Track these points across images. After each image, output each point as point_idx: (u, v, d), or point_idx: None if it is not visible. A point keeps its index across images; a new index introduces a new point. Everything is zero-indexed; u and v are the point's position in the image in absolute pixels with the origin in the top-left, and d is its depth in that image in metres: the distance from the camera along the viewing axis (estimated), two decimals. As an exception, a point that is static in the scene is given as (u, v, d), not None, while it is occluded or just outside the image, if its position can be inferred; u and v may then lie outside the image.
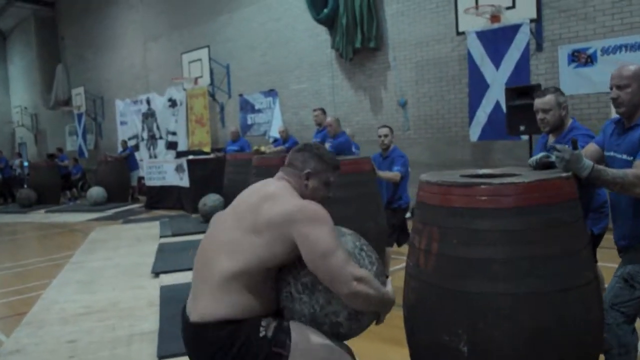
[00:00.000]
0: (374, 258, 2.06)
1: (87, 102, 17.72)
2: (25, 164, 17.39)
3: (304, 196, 2.01)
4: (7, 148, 23.47)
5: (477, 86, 7.45)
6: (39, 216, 11.71)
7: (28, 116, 22.64)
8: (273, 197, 1.95)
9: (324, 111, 7.47)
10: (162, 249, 6.91)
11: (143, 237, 8.09)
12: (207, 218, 8.13)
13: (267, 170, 6.46)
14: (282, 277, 1.96)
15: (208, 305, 1.89)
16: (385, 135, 5.27)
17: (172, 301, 4.62)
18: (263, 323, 1.88)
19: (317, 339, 1.90)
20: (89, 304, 4.78)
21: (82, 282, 5.61)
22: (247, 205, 1.98)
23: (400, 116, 8.85)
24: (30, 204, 13.12)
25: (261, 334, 1.85)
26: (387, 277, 2.15)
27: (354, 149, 6.86)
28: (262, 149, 8.78)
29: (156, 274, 5.68)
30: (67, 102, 18.56)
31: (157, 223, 9.22)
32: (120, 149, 14.24)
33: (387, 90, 9.07)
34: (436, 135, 8.42)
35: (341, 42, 9.17)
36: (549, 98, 2.88)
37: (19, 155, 19.02)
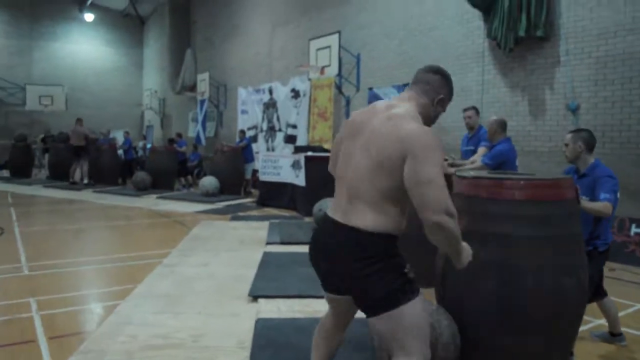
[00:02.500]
0: None
1: (210, 89, 17.36)
2: (149, 146, 17.45)
3: (425, 120, 2.17)
4: (135, 129, 24.22)
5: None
6: (150, 202, 11.22)
7: (156, 100, 23.05)
8: (397, 117, 2.09)
9: (477, 111, 5.93)
10: (266, 260, 5.77)
11: (248, 240, 7.05)
12: (321, 226, 6.92)
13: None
14: None
15: (369, 218, 2.05)
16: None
17: (269, 345, 3.48)
18: (408, 265, 2.10)
19: (425, 313, 2.16)
20: (166, 333, 3.70)
21: (167, 295, 4.58)
22: (380, 122, 2.13)
23: (569, 124, 7.05)
24: (145, 187, 12.82)
25: (404, 270, 2.08)
26: None
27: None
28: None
29: (254, 297, 4.52)
30: (193, 87, 18.39)
31: (266, 224, 8.19)
32: (237, 139, 13.54)
33: (553, 91, 7.30)
34: (618, 151, 6.54)
35: (500, 30, 7.52)
36: None
37: (144, 137, 19.21)
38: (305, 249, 6.07)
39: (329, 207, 2.28)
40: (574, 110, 6.99)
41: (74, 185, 13.77)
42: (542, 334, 2.75)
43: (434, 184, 1.89)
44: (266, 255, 6.03)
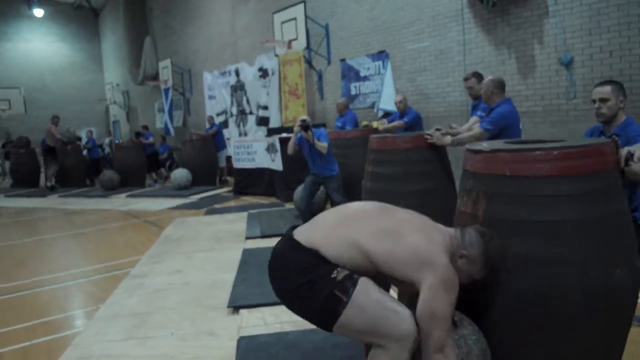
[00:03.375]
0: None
1: (174, 76, 16.45)
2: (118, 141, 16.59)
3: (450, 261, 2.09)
4: (102, 125, 23.23)
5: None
6: (119, 202, 10.47)
7: (120, 93, 22.04)
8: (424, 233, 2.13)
9: (479, 77, 5.32)
10: (246, 259, 5.16)
11: (225, 236, 6.43)
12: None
13: (392, 154, 4.51)
14: None
15: (322, 242, 2.08)
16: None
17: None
18: (338, 268, 2.03)
19: (377, 295, 2.01)
20: (131, 367, 3.08)
21: (135, 315, 3.95)
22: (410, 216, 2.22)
23: (563, 80, 6.50)
24: (114, 186, 12.07)
25: (332, 275, 2.00)
26: None
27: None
28: (375, 125, 6.78)
29: (235, 308, 3.91)
30: (156, 76, 17.47)
31: (245, 216, 7.56)
32: (207, 125, 12.82)
33: (543, 45, 6.71)
34: (618, 104, 6.01)
35: (479, -18, 6.90)
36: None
37: (109, 133, 18.27)
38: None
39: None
40: (568, 64, 6.42)
41: (53, 190, 12.86)
42: (590, 339, 2.20)
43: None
44: (246, 253, 5.40)
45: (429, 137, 4.37)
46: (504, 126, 4.09)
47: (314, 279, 2.00)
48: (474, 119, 4.79)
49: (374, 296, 2.00)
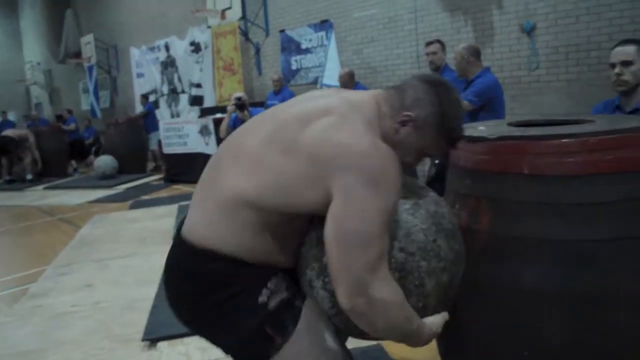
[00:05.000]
0: (450, 261, 1.37)
1: (98, 52, 14.99)
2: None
3: (383, 139, 1.28)
4: (23, 108, 21.32)
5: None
6: (34, 195, 9.27)
7: (41, 73, 20.22)
8: (334, 114, 1.27)
9: (443, 45, 4.61)
10: (173, 268, 4.29)
11: (150, 235, 5.53)
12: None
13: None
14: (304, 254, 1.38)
15: (213, 229, 1.31)
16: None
17: None
18: (270, 284, 1.32)
19: (324, 337, 1.35)
20: None
21: (23, 355, 3.05)
22: (294, 114, 1.32)
23: (524, 48, 5.90)
24: (30, 178, 10.78)
25: (260, 299, 1.30)
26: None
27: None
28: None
29: (151, 341, 3.08)
30: (79, 54, 15.94)
31: (175, 209, 6.65)
32: (140, 106, 11.64)
33: (502, 10, 6.07)
34: (585, 75, 5.46)
35: (431, -60, 6.17)
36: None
37: (27, 118, 16.62)
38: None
39: None
40: (530, 32, 5.81)
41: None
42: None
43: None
44: (173, 259, 4.54)
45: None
46: (490, 98, 3.42)
47: (234, 298, 1.31)
48: None
49: (324, 342, 1.35)
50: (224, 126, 5.22)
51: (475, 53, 3.61)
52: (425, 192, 1.49)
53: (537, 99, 5.80)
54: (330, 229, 1.20)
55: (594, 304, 1.47)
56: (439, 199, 1.52)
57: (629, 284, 1.46)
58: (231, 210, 1.30)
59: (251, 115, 5.05)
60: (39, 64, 20.35)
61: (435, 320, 1.38)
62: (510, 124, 1.87)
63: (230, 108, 5.08)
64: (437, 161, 4.38)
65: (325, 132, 1.23)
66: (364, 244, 1.17)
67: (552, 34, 5.68)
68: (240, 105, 5.00)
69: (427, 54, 4.67)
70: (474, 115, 3.55)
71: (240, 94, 5.23)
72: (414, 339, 1.34)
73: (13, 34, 22.24)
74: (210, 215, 1.34)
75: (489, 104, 3.39)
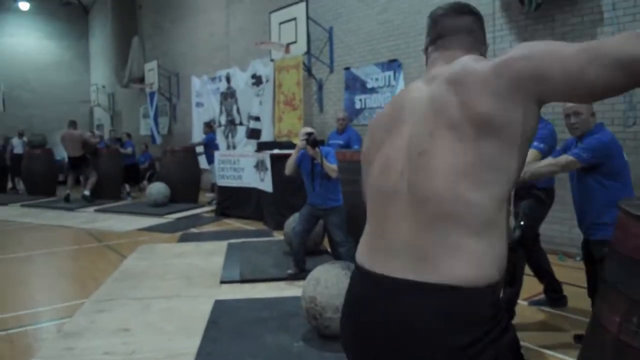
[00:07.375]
0: None
1: (160, 79, 15.17)
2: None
3: None
4: (85, 129, 21.85)
5: None
6: (84, 217, 9.16)
7: (105, 95, 20.75)
8: (444, 74, 1.21)
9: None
10: (217, 318, 3.90)
11: (197, 275, 5.17)
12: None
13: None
14: None
15: (469, 257, 1.05)
16: None
17: None
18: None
19: None
20: None
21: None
22: (416, 105, 1.22)
23: (620, 101, 5.35)
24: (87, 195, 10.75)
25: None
26: None
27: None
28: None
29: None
30: (142, 79, 16.20)
31: (224, 246, 6.31)
32: (197, 135, 11.44)
33: (592, 58, 5.55)
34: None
35: (519, -19, 5.76)
36: None
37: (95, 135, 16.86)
38: (274, 289, 4.11)
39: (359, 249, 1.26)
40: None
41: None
42: None
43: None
44: (218, 307, 4.15)
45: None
46: (603, 156, 2.92)
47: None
48: (532, 152, 3.46)
49: None
50: (291, 161, 4.83)
51: (590, 108, 3.11)
52: None
53: (634, 158, 5.20)
54: (566, 76, 1.03)
55: None
56: None
57: None
58: (448, 225, 1.15)
59: (322, 152, 4.66)
60: (104, 87, 20.91)
61: None
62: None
63: (301, 144, 4.69)
64: (522, 222, 3.86)
65: (466, 66, 1.17)
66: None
67: (651, 88, 5.12)
68: (313, 142, 4.62)
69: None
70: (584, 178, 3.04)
71: (310, 129, 4.84)
72: None
73: (82, 56, 23.05)
74: (457, 243, 1.15)
75: (605, 163, 2.87)
